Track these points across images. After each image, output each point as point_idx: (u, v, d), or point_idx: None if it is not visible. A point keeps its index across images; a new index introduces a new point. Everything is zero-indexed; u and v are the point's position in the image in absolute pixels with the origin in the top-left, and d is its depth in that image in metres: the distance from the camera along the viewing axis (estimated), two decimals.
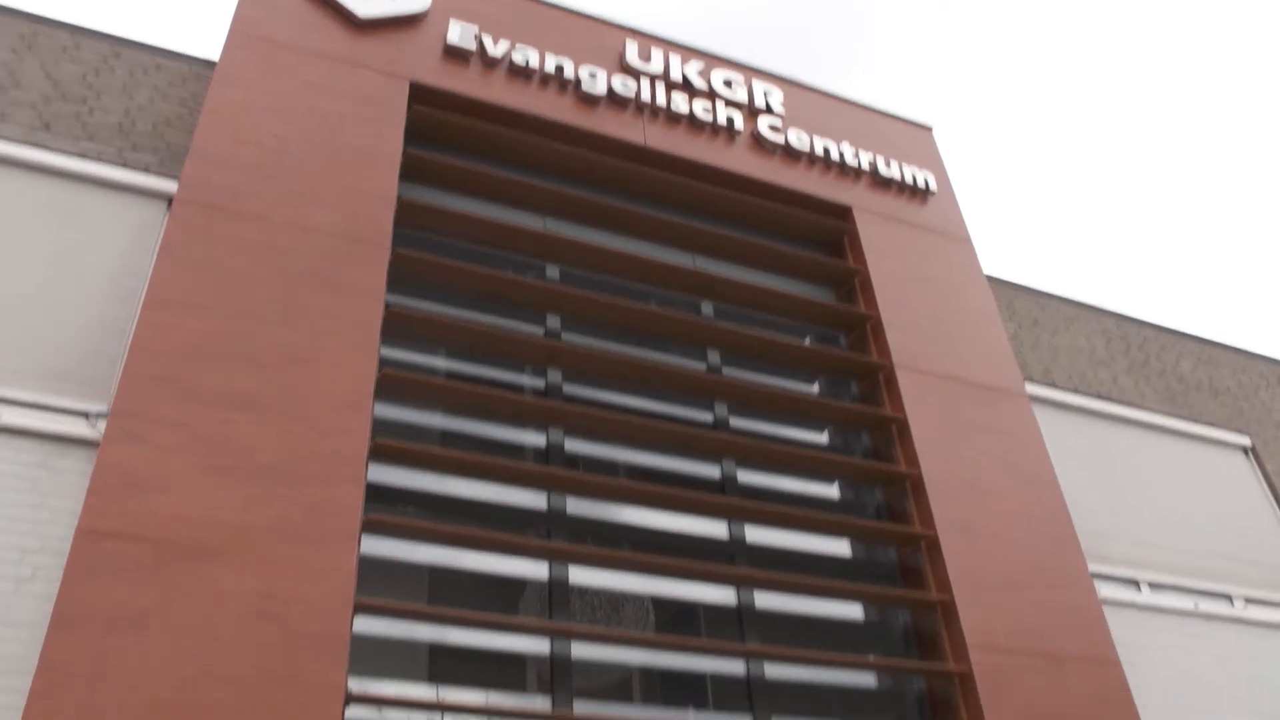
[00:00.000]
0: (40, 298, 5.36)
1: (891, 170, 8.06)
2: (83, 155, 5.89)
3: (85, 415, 5.12)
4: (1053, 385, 8.44)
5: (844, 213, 7.74)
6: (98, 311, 5.43)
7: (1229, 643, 7.41)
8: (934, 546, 6.05)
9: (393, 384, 5.39)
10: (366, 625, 4.83)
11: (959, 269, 7.80)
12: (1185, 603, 7.45)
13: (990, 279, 9.03)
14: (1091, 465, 8.07)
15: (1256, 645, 7.51)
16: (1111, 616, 7.02)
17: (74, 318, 5.36)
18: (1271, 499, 8.93)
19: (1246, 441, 9.27)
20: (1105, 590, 7.11)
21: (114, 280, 5.57)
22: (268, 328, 5.09)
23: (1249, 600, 7.87)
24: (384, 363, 5.72)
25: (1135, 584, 7.44)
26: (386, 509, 5.19)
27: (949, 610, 5.83)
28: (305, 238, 5.46)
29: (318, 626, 4.36)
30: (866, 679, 5.88)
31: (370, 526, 4.90)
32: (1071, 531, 6.59)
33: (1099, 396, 8.62)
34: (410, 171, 6.39)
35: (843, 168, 7.91)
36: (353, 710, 4.56)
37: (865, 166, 7.96)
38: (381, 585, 5.00)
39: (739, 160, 7.45)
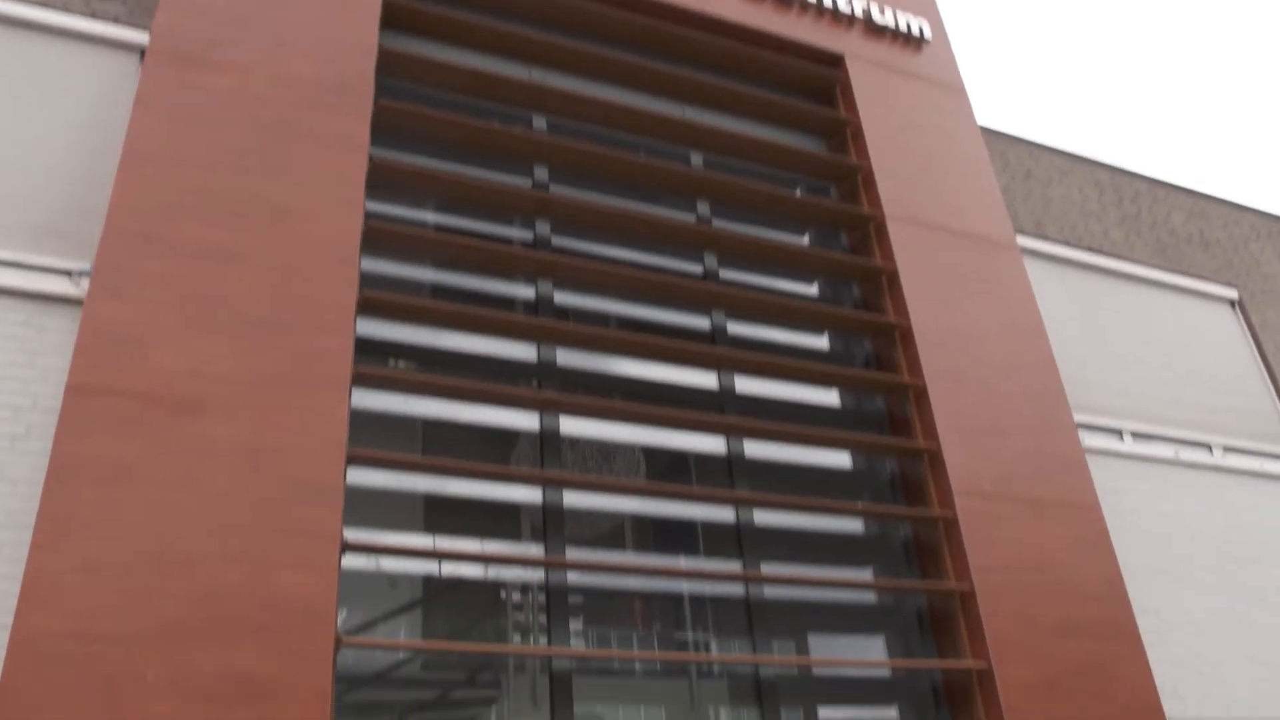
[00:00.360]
0: (13, 154, 5.24)
1: (885, 17, 7.84)
2: (47, 5, 5.68)
3: (68, 273, 5.06)
4: (1044, 237, 8.40)
5: (836, 61, 7.55)
6: (74, 168, 5.31)
7: (1207, 490, 7.56)
8: (922, 395, 6.10)
9: (379, 236, 5.32)
10: (361, 477, 4.88)
11: (952, 119, 7.66)
12: (1166, 451, 7.58)
13: (984, 130, 8.88)
14: (1080, 317, 8.09)
15: (1233, 492, 7.67)
16: (1094, 464, 7.13)
17: (50, 174, 5.25)
18: (1255, 351, 9.00)
19: (1234, 294, 9.29)
20: (1089, 439, 7.22)
21: (89, 135, 5.43)
22: (249, 181, 5.00)
23: (1227, 449, 8.01)
24: (369, 216, 5.65)
25: (1118, 433, 7.55)
26: (376, 363, 5.20)
27: (935, 458, 5.92)
28: (284, 89, 5.32)
29: (311, 477, 4.41)
30: (853, 525, 6.01)
31: (360, 380, 4.91)
32: (1058, 381, 6.65)
33: (1090, 249, 8.59)
34: (391, 19, 6.19)
35: (835, 14, 7.68)
36: (349, 559, 4.65)
37: (858, 13, 7.74)
38: (375, 440, 5.03)
39: (729, 7, 7.22)
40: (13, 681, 3.64)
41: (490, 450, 5.31)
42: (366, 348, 5.20)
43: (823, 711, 5.48)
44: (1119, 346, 8.10)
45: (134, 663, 3.81)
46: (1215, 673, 6.63)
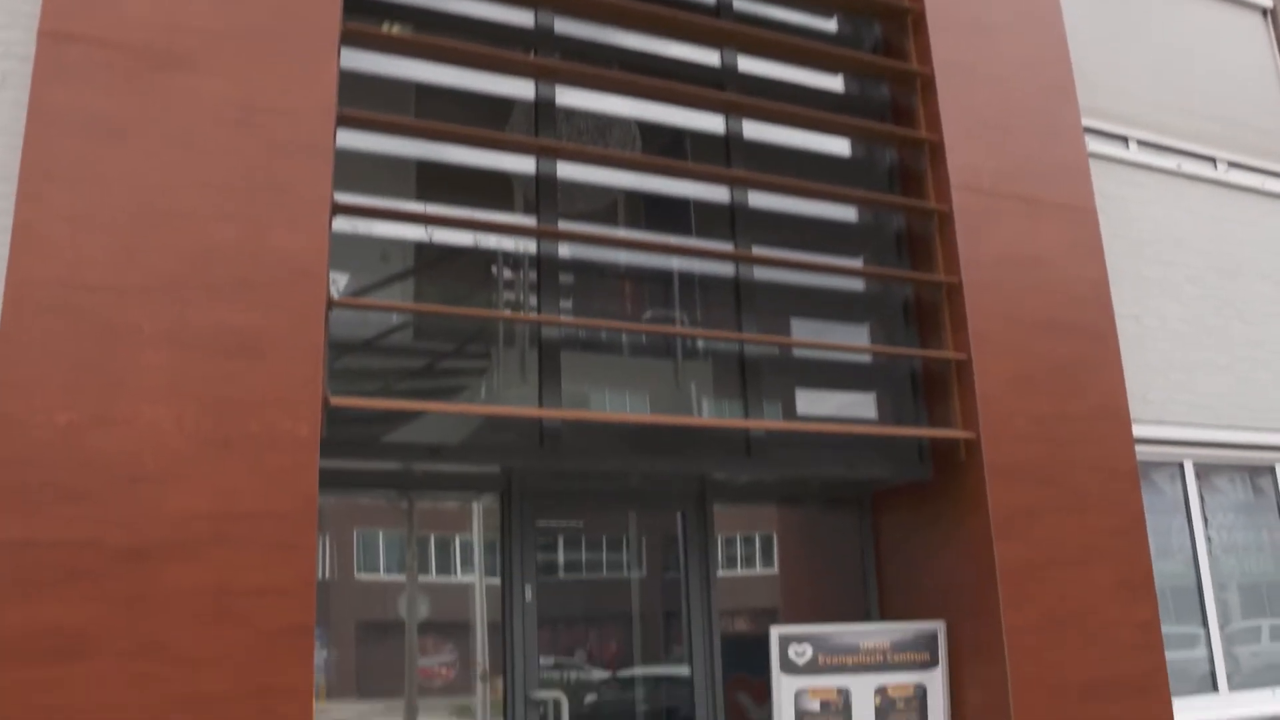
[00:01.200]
0: None
1: None
2: None
3: None
4: None
5: None
6: None
7: (1205, 203, 7.50)
8: (929, 85, 5.90)
9: None
10: (352, 140, 4.76)
11: None
12: (1170, 163, 7.46)
13: None
14: (1100, 16, 7.73)
15: (1230, 208, 7.61)
16: (1096, 169, 6.98)
17: None
18: (1278, 65, 8.68)
19: (1268, 2, 8.85)
20: (1094, 144, 7.06)
21: None
22: None
23: (1232, 164, 7.88)
24: None
25: (1124, 140, 7.40)
26: (367, 23, 4.96)
27: (936, 150, 5.80)
28: None
29: (301, 137, 4.30)
30: (847, 213, 5.97)
31: (349, 38, 4.70)
32: (1070, 82, 6.45)
33: None
34: None
35: None
36: (340, 222, 4.61)
37: None
38: (366, 105, 4.85)
39: None
40: (11, 327, 3.69)
41: (484, 120, 5.17)
42: (356, 6, 4.94)
43: (803, 394, 5.67)
44: (1137, 50, 7.79)
45: (128, 314, 3.86)
46: (1184, 380, 6.82)
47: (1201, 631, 6.58)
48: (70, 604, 3.54)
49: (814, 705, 5.24)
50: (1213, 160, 7.80)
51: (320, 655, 4.77)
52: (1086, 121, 6.95)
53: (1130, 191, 7.10)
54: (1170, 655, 5.72)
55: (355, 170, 4.72)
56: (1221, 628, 6.62)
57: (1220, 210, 7.53)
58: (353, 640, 5.19)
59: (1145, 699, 5.43)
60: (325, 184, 4.28)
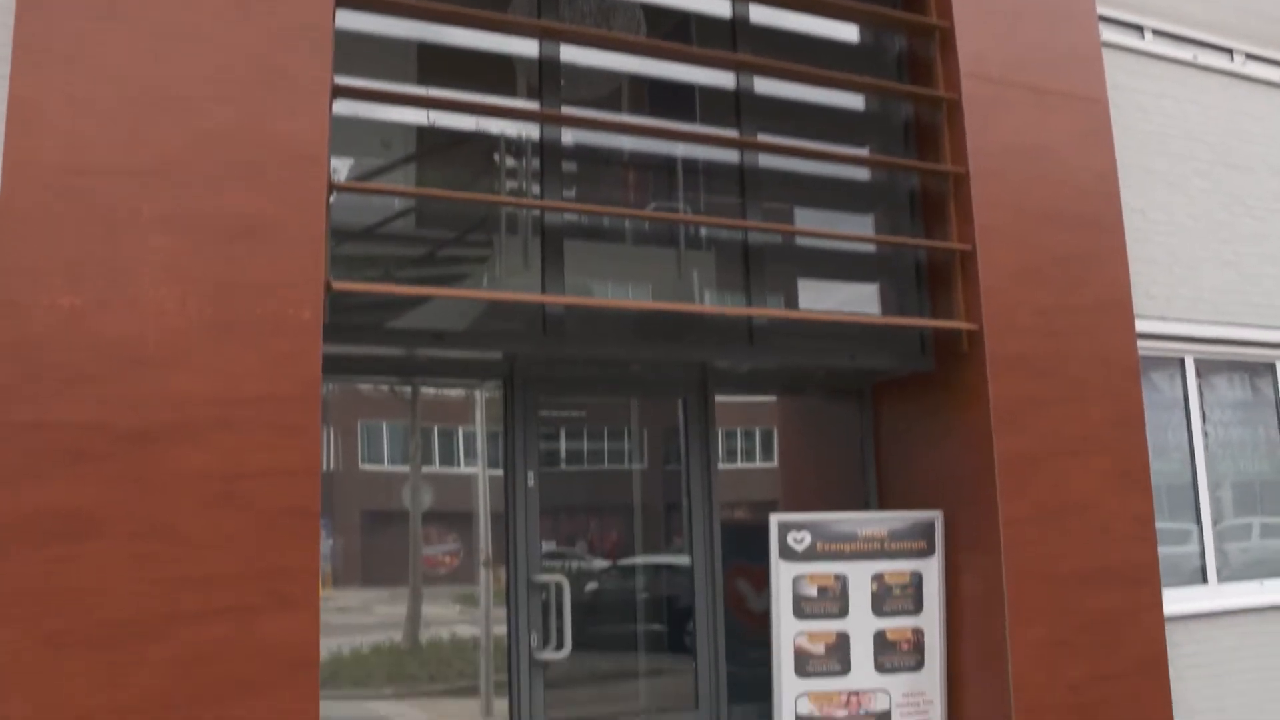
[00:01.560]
0: None
1: None
2: None
3: None
4: None
5: None
6: None
7: (1218, 96, 7.36)
8: None
9: None
10: (352, 21, 4.65)
11: None
12: (1185, 53, 7.30)
13: None
14: None
15: (1243, 101, 7.47)
16: (1109, 59, 6.85)
17: None
18: None
19: None
20: (1107, 33, 6.90)
21: None
22: None
23: (1250, 56, 7.70)
24: None
25: (1139, 29, 7.23)
26: None
27: (947, 37, 5.66)
28: None
29: (300, 16, 4.17)
30: (854, 100, 5.88)
31: None
32: None
33: None
34: None
35: None
36: (341, 106, 4.53)
37: None
38: None
39: None
40: (11, 210, 3.64)
41: (486, 2, 5.05)
42: None
43: (806, 283, 5.66)
44: None
45: (129, 198, 3.81)
46: (1187, 274, 6.78)
47: (1194, 528, 6.66)
48: (76, 485, 3.57)
49: (811, 590, 5.34)
50: (1230, 52, 7.62)
51: (326, 544, 4.84)
52: (1101, 9, 6.78)
53: (1142, 83, 6.96)
54: (1163, 550, 5.80)
55: (356, 53, 4.61)
56: (1214, 524, 6.70)
57: (1233, 103, 7.40)
58: (358, 530, 5.26)
59: (1137, 590, 5.53)
60: (325, 65, 4.19)
